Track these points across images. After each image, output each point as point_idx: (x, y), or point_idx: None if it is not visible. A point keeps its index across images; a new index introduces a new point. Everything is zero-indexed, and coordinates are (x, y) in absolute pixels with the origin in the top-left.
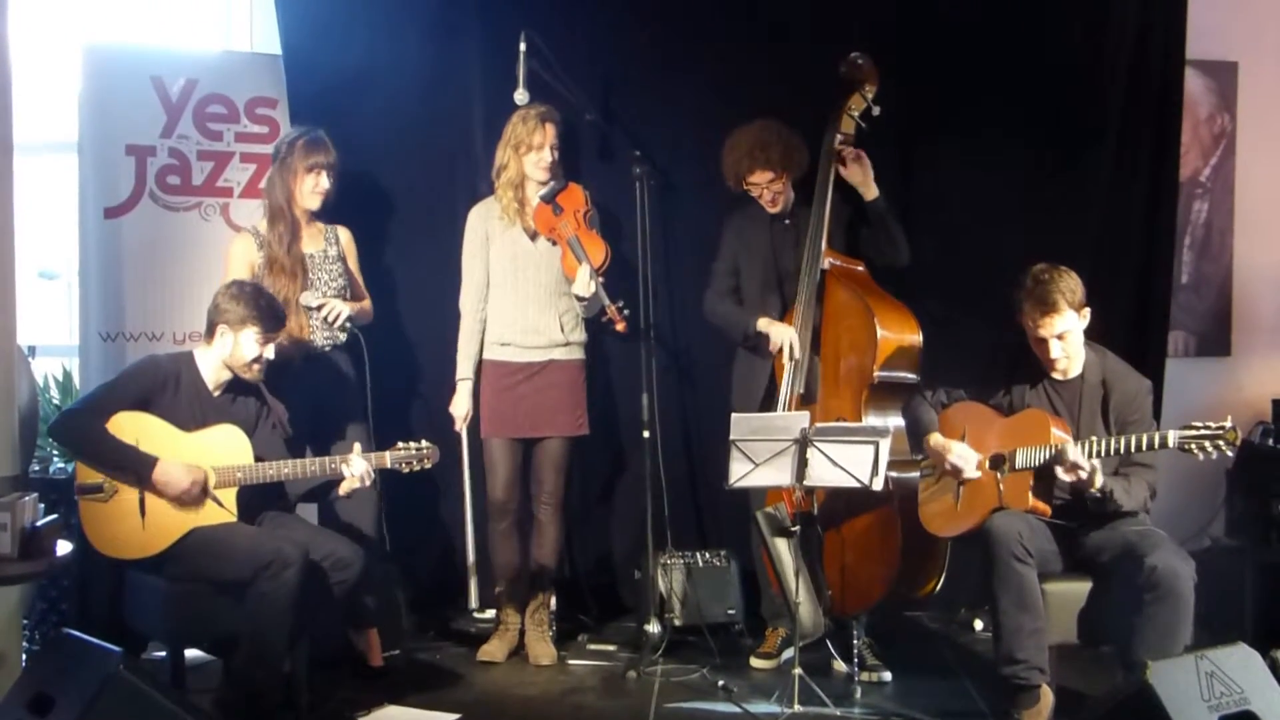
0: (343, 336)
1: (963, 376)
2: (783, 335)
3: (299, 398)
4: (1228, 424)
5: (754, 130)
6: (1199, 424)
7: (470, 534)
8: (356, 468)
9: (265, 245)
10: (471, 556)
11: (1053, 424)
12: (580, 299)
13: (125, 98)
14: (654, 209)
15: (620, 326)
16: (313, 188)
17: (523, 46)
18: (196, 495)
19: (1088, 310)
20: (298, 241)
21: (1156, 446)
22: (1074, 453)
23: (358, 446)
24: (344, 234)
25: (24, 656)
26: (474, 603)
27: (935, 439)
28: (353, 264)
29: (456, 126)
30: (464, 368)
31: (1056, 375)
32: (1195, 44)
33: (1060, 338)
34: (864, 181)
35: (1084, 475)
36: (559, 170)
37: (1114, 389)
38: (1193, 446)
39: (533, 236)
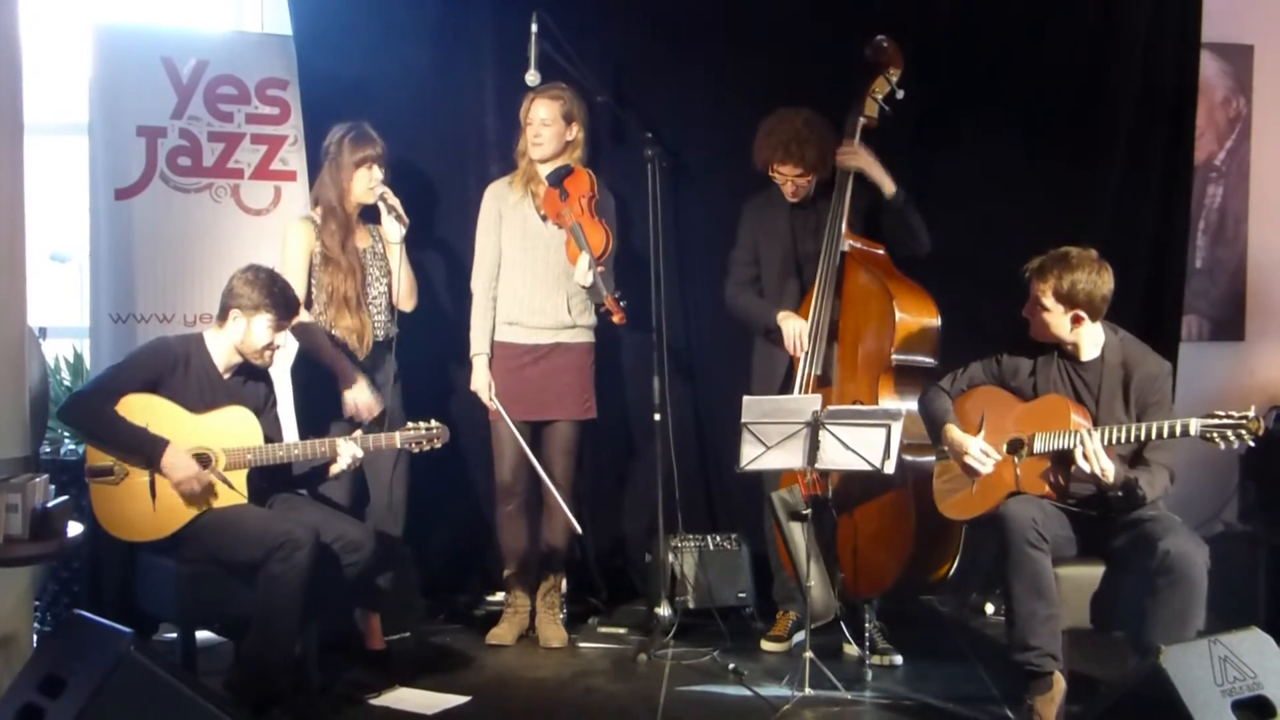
0: (393, 329)
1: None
2: (792, 330)
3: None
4: (1251, 413)
5: (795, 122)
6: (1221, 413)
7: (566, 508)
8: (345, 451)
9: (321, 241)
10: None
11: (1073, 410)
12: (582, 287)
13: (136, 79)
14: (666, 191)
15: (617, 318)
16: (366, 183)
17: (534, 28)
18: (196, 490)
19: (1082, 315)
20: (351, 238)
21: (1178, 434)
22: (1094, 443)
23: (357, 433)
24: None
25: (35, 638)
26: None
27: (953, 433)
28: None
29: (469, 107)
30: (479, 342)
31: (1041, 339)
32: (1211, 27)
33: (1035, 303)
34: (879, 176)
35: (1102, 471)
36: (563, 150)
37: (1135, 370)
38: (1214, 435)
39: (544, 217)
